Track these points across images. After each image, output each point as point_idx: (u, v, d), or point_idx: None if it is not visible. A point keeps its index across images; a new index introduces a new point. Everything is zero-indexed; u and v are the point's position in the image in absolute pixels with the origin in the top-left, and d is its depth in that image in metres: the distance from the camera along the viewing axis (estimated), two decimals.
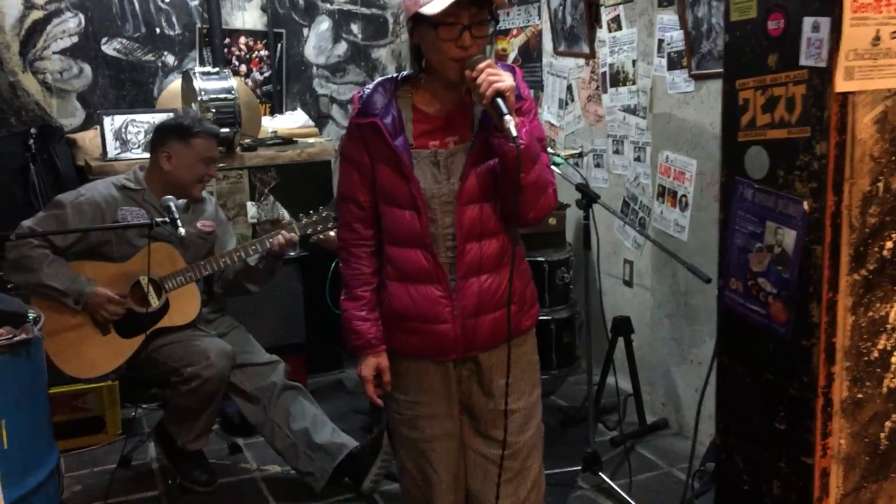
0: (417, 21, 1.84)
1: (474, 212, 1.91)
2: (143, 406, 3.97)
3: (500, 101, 1.78)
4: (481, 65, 1.80)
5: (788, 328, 1.86)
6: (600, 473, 3.10)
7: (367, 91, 1.97)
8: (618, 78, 3.86)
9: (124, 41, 4.36)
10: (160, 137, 3.20)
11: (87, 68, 4.32)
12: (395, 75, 2.00)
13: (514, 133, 1.77)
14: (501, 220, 1.96)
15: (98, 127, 4.04)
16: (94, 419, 3.70)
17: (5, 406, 1.86)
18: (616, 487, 3.05)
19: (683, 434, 3.58)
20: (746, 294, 1.98)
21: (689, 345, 3.51)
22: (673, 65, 3.41)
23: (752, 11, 1.85)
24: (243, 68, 4.59)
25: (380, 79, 2.00)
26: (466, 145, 1.93)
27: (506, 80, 1.79)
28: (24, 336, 1.94)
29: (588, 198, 3.00)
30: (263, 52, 4.62)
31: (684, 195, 3.43)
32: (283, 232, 3.13)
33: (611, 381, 3.64)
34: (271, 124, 4.48)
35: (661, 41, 3.48)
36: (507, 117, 1.77)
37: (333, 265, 3.79)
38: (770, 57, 1.84)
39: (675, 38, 3.37)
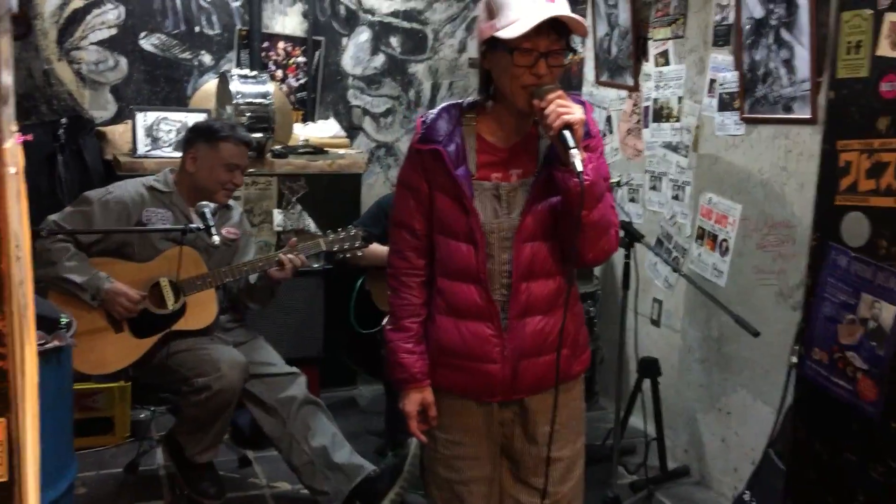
0: (491, 46, 1.78)
1: (533, 250, 1.84)
2: (153, 409, 3.88)
3: (567, 133, 1.71)
4: (551, 95, 1.74)
5: (878, 408, 1.75)
6: None
7: (431, 116, 1.90)
8: (661, 113, 3.79)
9: (163, 37, 4.31)
10: (189, 138, 3.19)
11: (123, 61, 4.26)
12: (460, 101, 1.93)
13: (580, 168, 1.69)
14: (559, 260, 1.89)
15: (129, 122, 3.98)
16: (103, 419, 3.62)
17: None
18: None
19: (705, 484, 3.49)
20: (831, 366, 1.88)
21: (719, 393, 3.42)
22: (724, 106, 3.34)
23: (863, 70, 1.77)
24: (279, 73, 4.53)
25: (445, 104, 1.93)
26: (530, 179, 1.85)
27: (575, 112, 1.72)
28: (56, 343, 1.87)
29: (631, 236, 2.93)
30: (301, 59, 4.56)
31: (725, 239, 3.35)
32: (286, 255, 3.04)
33: (632, 423, 3.56)
34: (303, 132, 4.42)
35: (712, 80, 3.41)
36: (574, 151, 1.70)
37: (360, 281, 3.72)
38: (881, 120, 1.75)
39: (729, 78, 3.30)
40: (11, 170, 0.81)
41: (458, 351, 1.88)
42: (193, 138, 3.16)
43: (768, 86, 3.08)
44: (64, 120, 4.04)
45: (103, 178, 3.87)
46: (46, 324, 1.93)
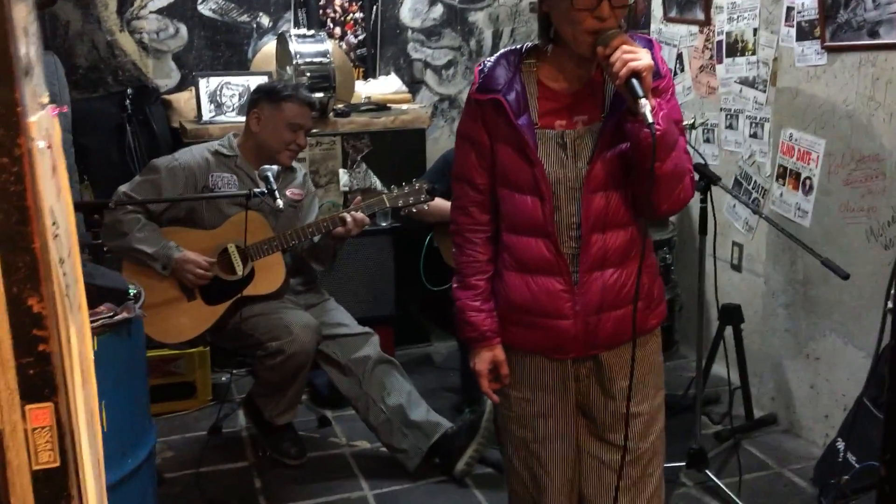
0: None
1: (602, 200, 1.75)
2: (233, 372, 3.95)
3: (635, 82, 1.60)
4: (615, 40, 1.63)
5: None
6: (707, 471, 2.93)
7: (488, 64, 1.81)
8: (735, 47, 3.60)
9: (220, 1, 4.28)
10: (254, 99, 3.19)
11: (183, 28, 4.26)
12: (518, 46, 1.84)
13: (650, 119, 1.59)
14: (631, 210, 1.79)
15: (193, 88, 3.99)
16: (185, 384, 3.70)
17: (105, 387, 1.79)
18: (724, 487, 2.88)
19: (794, 432, 3.37)
20: None
21: (807, 338, 3.28)
22: (803, 35, 3.14)
23: None
24: (337, 31, 4.47)
25: (503, 50, 1.84)
26: (596, 126, 1.76)
27: (643, 58, 1.61)
28: (125, 315, 1.88)
29: (707, 179, 2.80)
30: (358, 15, 4.48)
31: (809, 177, 3.18)
32: (348, 213, 3.01)
33: (715, 371, 3.45)
34: (364, 89, 4.36)
35: (789, 8, 3.20)
36: (643, 101, 1.59)
37: (428, 238, 3.68)
38: None
39: (807, 5, 3.09)
40: (40, 144, 0.77)
41: (527, 307, 1.82)
42: (257, 99, 3.16)
43: (851, 10, 2.87)
44: (130, 90, 4.08)
45: (171, 146, 3.90)
46: (116, 296, 1.94)
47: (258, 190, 2.87)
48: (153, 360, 3.52)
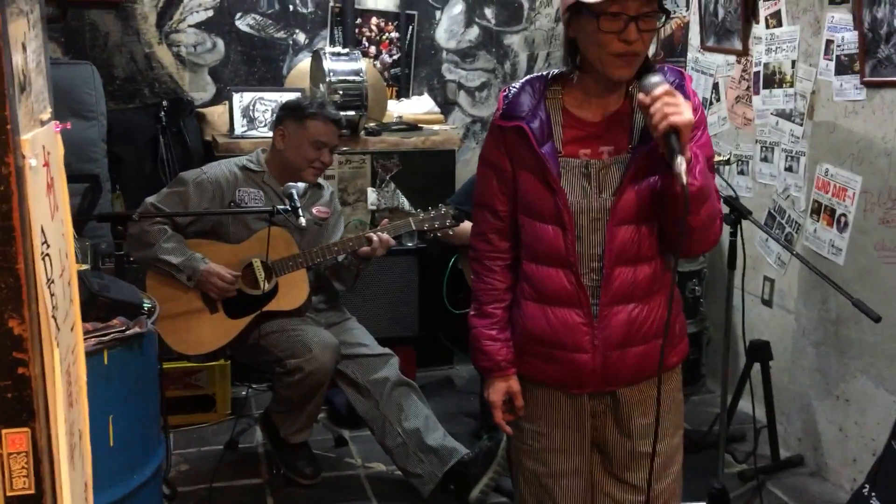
0: (576, 11, 1.64)
1: (628, 233, 1.71)
2: (254, 386, 3.94)
3: (673, 138, 1.57)
4: (658, 90, 1.59)
5: None
6: None
7: (513, 90, 1.79)
8: (773, 79, 3.54)
9: (258, 17, 4.32)
10: (280, 116, 3.20)
11: (220, 43, 4.30)
12: (544, 73, 1.81)
13: (685, 179, 1.55)
14: (657, 244, 1.75)
15: (227, 103, 4.01)
16: (205, 397, 3.70)
17: (114, 401, 1.79)
18: None
19: (820, 475, 3.27)
20: None
21: (837, 379, 3.18)
22: (842, 69, 3.07)
23: None
24: (373, 50, 4.48)
25: (528, 77, 1.82)
26: (623, 157, 1.72)
27: (684, 112, 1.57)
28: (136, 329, 1.87)
29: (738, 213, 2.74)
30: (394, 34, 4.49)
31: (844, 214, 3.10)
32: (375, 233, 3.00)
33: (741, 409, 3.37)
34: (397, 108, 4.36)
35: (829, 42, 3.14)
36: (679, 158, 1.56)
37: (452, 260, 3.65)
38: None
39: (847, 39, 3.03)
40: (33, 162, 0.76)
41: (545, 339, 1.78)
42: (283, 116, 3.17)
43: (892, 45, 2.81)
44: (165, 103, 4.12)
45: (203, 159, 3.92)
46: (129, 309, 1.94)
47: (282, 207, 2.87)
48: (174, 371, 3.53)
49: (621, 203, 1.70)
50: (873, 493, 2.61)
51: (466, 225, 3.37)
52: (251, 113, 3.98)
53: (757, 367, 3.29)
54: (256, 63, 4.37)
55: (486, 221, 1.85)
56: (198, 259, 3.01)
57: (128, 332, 1.81)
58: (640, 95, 1.62)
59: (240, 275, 3.06)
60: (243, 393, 3.88)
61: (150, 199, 3.08)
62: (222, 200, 3.10)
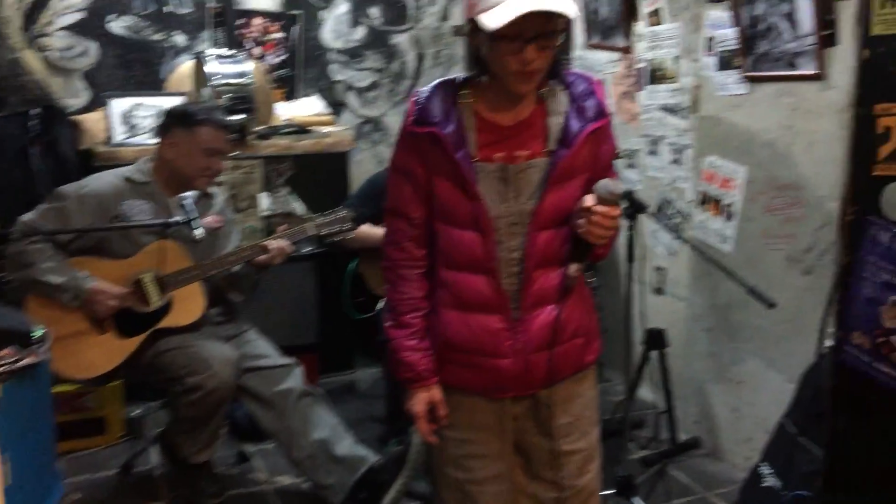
0: (476, 25, 1.63)
1: (548, 237, 1.72)
2: (148, 404, 3.75)
3: (584, 245, 1.70)
4: (603, 208, 1.63)
5: None
6: (636, 499, 2.92)
7: (424, 95, 1.76)
8: (657, 75, 3.65)
9: (132, 18, 4.12)
10: (166, 124, 3.03)
11: (93, 46, 4.07)
12: (454, 77, 1.79)
13: (569, 277, 1.77)
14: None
15: (103, 109, 3.81)
16: (96, 420, 3.50)
17: (9, 439, 1.66)
18: None
19: (716, 455, 3.40)
20: (875, 352, 1.76)
21: (729, 362, 3.32)
22: (724, 64, 3.20)
23: None
24: (257, 51, 4.35)
25: (438, 80, 1.79)
26: (541, 162, 1.72)
27: (613, 235, 1.70)
28: (30, 360, 1.73)
29: (635, 207, 2.81)
30: (279, 35, 4.38)
31: (730, 203, 3.23)
32: (271, 242, 2.93)
33: (641, 395, 3.47)
34: (285, 111, 4.26)
35: (710, 39, 3.26)
36: (574, 267, 1.76)
37: (351, 265, 3.60)
38: None
39: (728, 35, 3.15)
40: None
41: (466, 346, 1.77)
42: (170, 123, 3.01)
43: (770, 41, 2.94)
44: (35, 110, 3.87)
45: (79, 170, 3.70)
46: (19, 338, 1.79)
47: (175, 219, 2.74)
48: (60, 395, 3.31)
49: (543, 207, 1.70)
50: (772, 470, 2.73)
51: (366, 227, 3.33)
52: (131, 119, 3.80)
53: (654, 354, 3.39)
54: (133, 67, 4.16)
55: (400, 230, 1.81)
56: (83, 278, 2.83)
57: (20, 363, 1.67)
58: (589, 198, 1.65)
59: (129, 291, 2.90)
60: (136, 412, 3.70)
61: (27, 216, 2.87)
62: (106, 215, 2.92)
